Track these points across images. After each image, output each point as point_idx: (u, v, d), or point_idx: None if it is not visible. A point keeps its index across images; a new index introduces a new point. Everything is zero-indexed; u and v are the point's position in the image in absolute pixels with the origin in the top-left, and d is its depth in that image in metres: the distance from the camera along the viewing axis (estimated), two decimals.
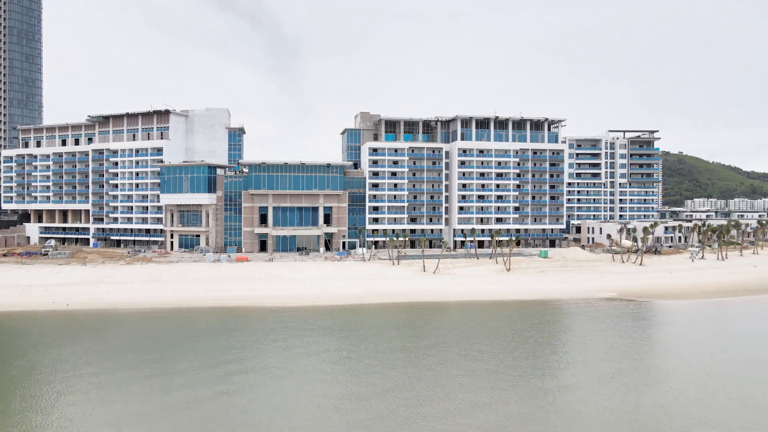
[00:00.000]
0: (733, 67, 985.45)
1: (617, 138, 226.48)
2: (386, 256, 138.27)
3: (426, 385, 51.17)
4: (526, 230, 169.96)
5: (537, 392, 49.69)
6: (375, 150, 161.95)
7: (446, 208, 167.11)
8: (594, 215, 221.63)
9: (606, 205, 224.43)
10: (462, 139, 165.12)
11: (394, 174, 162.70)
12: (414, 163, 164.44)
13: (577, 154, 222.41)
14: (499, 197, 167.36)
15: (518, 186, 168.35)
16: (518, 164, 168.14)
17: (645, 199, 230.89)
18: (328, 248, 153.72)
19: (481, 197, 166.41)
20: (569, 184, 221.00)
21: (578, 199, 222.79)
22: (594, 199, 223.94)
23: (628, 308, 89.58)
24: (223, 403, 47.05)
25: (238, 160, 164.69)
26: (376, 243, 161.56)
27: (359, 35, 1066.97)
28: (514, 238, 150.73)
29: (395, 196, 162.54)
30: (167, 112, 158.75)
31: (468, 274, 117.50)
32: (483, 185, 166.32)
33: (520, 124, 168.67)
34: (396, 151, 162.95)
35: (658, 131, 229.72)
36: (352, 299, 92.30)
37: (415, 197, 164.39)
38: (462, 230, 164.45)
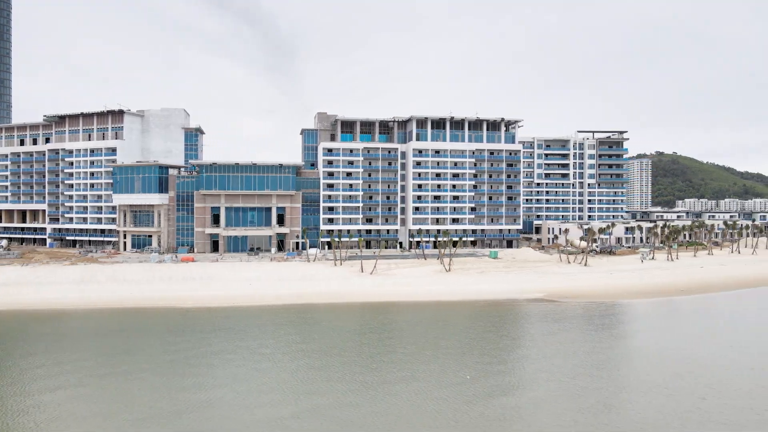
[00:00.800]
0: (731, 69, 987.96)
1: (587, 139, 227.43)
2: (338, 256, 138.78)
3: (277, 386, 51.69)
4: (482, 231, 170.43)
5: (386, 391, 50.16)
6: (330, 150, 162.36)
7: (402, 208, 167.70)
8: (563, 215, 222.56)
9: (575, 206, 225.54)
10: (417, 139, 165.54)
11: (349, 174, 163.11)
12: (369, 164, 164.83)
13: (546, 155, 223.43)
14: (455, 198, 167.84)
15: (474, 186, 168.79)
16: (474, 164, 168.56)
17: (614, 200, 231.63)
18: (281, 248, 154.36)
19: (437, 198, 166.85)
20: (538, 184, 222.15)
21: (547, 200, 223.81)
22: (563, 200, 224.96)
23: (542, 308, 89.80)
24: (82, 401, 47.43)
25: (189, 161, 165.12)
26: (330, 243, 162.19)
27: (358, 36, 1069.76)
28: (459, 239, 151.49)
29: (350, 197, 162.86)
30: (121, 112, 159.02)
31: (406, 274, 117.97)
32: (439, 186, 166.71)
33: (476, 125, 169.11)
34: (351, 151, 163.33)
35: (627, 132, 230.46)
36: (272, 300, 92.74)
37: (370, 197, 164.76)
38: (418, 230, 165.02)
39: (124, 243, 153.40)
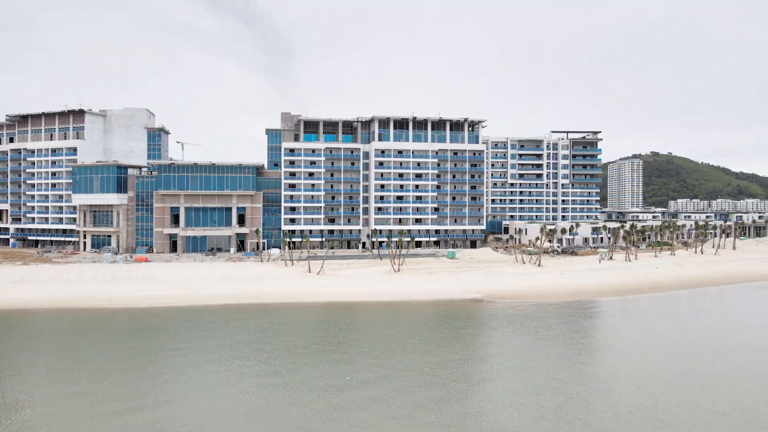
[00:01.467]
0: (729, 69, 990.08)
1: (561, 139, 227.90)
2: (289, 256, 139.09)
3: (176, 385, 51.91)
4: (446, 231, 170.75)
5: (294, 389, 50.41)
6: (292, 150, 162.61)
7: (365, 208, 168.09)
8: (536, 215, 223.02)
9: (549, 206, 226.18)
10: (379, 139, 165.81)
11: (311, 174, 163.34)
12: (332, 164, 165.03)
13: (520, 155, 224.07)
14: (418, 198, 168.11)
15: (438, 187, 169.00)
16: (438, 164, 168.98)
17: (588, 200, 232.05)
18: (241, 249, 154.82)
19: (399, 198, 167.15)
20: (512, 184, 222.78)
21: (521, 200, 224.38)
22: (536, 200, 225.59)
23: (471, 309, 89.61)
24: None
25: (148, 161, 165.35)
26: (293, 243, 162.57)
27: (355, 36, 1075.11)
28: (411, 239, 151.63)
29: (312, 197, 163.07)
30: (82, 112, 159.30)
31: (355, 275, 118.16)
32: (402, 186, 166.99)
33: (439, 125, 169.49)
34: (313, 151, 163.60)
35: (600, 132, 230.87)
36: (206, 300, 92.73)
37: (333, 198, 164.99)
38: (380, 231, 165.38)
39: (84, 243, 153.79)
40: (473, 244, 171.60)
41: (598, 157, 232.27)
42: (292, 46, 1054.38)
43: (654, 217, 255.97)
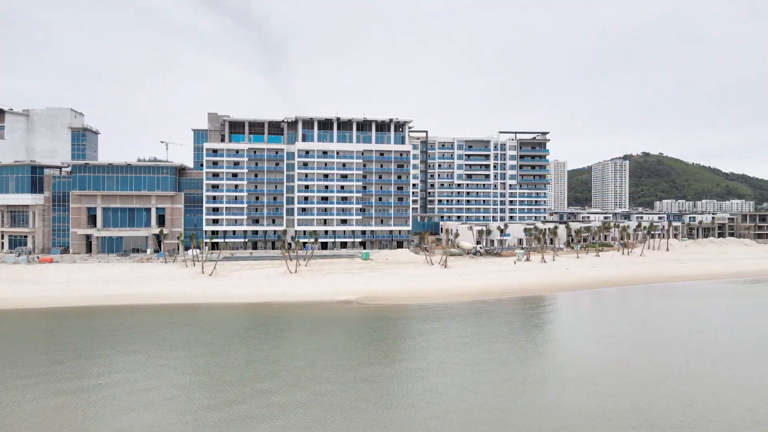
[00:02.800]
0: (723, 71, 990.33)
1: (511, 140, 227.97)
2: (188, 257, 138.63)
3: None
4: (372, 232, 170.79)
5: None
6: (215, 151, 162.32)
7: (290, 209, 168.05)
8: (484, 216, 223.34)
9: (497, 206, 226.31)
10: (303, 140, 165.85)
11: (235, 175, 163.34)
12: (256, 164, 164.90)
13: (468, 155, 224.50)
14: (344, 198, 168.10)
15: (364, 187, 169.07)
16: (363, 165, 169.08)
17: (536, 201, 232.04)
18: (159, 250, 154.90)
19: (325, 198, 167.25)
20: (459, 185, 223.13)
21: (468, 200, 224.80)
22: (484, 201, 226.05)
23: (331, 310, 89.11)
24: None
25: (63, 161, 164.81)
26: (216, 244, 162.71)
27: (351, 37, 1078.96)
28: (315, 239, 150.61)
29: (236, 198, 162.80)
30: (2, 112, 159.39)
31: (249, 276, 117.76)
32: (326, 186, 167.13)
33: (365, 126, 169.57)
34: (237, 152, 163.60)
35: (548, 133, 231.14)
36: (73, 302, 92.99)
37: (257, 198, 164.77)
38: (305, 231, 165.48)
39: (2, 243, 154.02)
40: (400, 245, 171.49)
41: (546, 158, 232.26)
42: (289, 47, 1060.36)
43: (605, 218, 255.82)
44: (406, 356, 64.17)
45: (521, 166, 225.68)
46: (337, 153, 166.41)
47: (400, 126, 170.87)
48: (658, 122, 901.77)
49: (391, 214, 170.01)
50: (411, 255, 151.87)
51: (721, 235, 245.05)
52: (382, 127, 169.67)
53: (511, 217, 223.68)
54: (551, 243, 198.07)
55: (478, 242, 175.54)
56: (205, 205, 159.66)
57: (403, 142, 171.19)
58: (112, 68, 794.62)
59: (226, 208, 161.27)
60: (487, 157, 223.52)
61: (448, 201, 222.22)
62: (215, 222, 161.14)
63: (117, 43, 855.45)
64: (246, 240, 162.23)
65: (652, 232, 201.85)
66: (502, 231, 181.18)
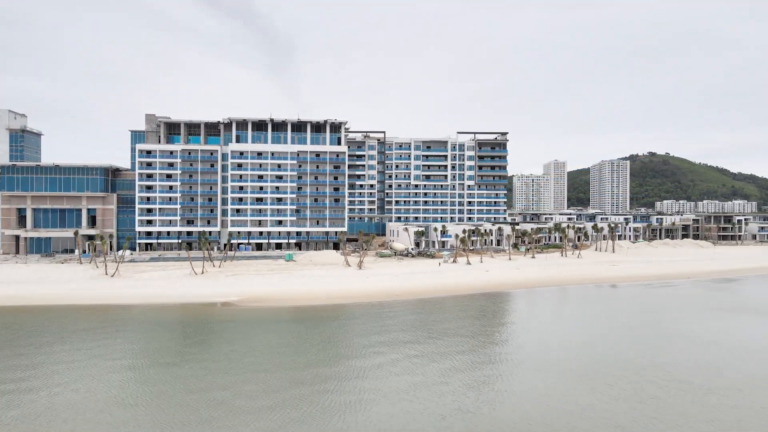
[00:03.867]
0: (731, 70, 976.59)
1: (473, 140, 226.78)
2: (102, 258, 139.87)
3: None
4: (307, 233, 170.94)
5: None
6: (148, 152, 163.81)
7: (225, 210, 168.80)
8: (441, 217, 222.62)
9: (455, 207, 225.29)
10: (237, 141, 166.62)
11: (169, 176, 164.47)
12: (191, 165, 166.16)
13: (425, 156, 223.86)
14: (279, 200, 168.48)
15: (299, 188, 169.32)
16: (299, 166, 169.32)
17: (495, 201, 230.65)
18: (93, 250, 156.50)
19: (259, 199, 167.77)
20: (416, 186, 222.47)
21: (425, 201, 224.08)
22: (441, 201, 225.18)
23: (196, 312, 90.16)
24: None
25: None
26: (150, 245, 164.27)
27: (355, 36, 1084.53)
28: (228, 241, 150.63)
29: (170, 198, 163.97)
30: None
31: (153, 277, 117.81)
32: (261, 188, 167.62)
33: (300, 127, 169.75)
34: (171, 153, 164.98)
35: (507, 133, 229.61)
36: None
37: (192, 199, 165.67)
38: (239, 232, 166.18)
39: None
40: (335, 246, 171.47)
41: (505, 158, 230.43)
42: (293, 46, 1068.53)
43: (569, 219, 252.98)
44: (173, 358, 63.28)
45: (480, 167, 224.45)
46: (272, 154, 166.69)
47: (336, 127, 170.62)
48: (665, 122, 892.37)
49: (326, 215, 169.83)
50: (337, 256, 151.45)
51: (685, 236, 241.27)
52: (318, 128, 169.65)
53: (469, 218, 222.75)
54: (498, 244, 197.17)
55: (417, 243, 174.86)
56: (137, 206, 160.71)
57: (338, 143, 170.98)
58: (117, 69, 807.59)
59: (159, 209, 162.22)
60: (444, 158, 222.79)
61: (405, 202, 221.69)
62: (149, 223, 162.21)
63: (120, 43, 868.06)
64: (180, 241, 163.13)
65: (604, 234, 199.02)
66: (442, 232, 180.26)
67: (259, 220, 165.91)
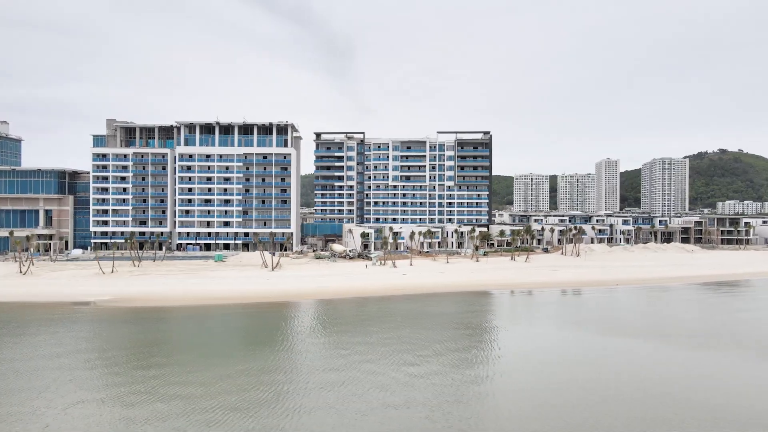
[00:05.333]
0: None
1: (455, 140, 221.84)
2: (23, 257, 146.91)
3: None
4: (255, 234, 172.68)
5: None
6: (103, 156, 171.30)
7: (175, 211, 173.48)
8: (420, 219, 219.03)
9: (434, 209, 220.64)
10: (186, 144, 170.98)
11: (123, 179, 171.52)
12: (144, 168, 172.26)
13: (404, 157, 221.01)
14: (227, 201, 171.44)
15: (247, 190, 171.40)
16: (247, 168, 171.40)
17: (477, 203, 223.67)
18: (48, 249, 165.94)
19: (208, 201, 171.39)
20: (395, 186, 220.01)
21: (403, 203, 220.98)
22: (420, 203, 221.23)
23: (56, 310, 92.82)
24: None
25: None
26: (105, 244, 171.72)
27: (409, 34, 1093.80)
28: (157, 240, 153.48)
29: (124, 200, 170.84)
30: None
31: (62, 276, 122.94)
32: (209, 189, 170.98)
33: (247, 129, 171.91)
34: (125, 156, 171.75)
35: (489, 132, 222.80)
36: None
37: (144, 201, 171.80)
38: (188, 233, 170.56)
39: None
40: (282, 247, 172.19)
41: (486, 158, 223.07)
42: (351, 47, 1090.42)
43: (561, 221, 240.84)
44: None
45: (462, 167, 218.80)
46: (220, 156, 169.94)
47: (282, 129, 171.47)
48: (738, 116, 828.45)
49: (272, 216, 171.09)
50: (268, 257, 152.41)
51: (686, 239, 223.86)
52: (266, 130, 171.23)
53: (449, 219, 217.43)
54: (459, 246, 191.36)
55: (365, 245, 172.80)
56: (92, 207, 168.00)
57: (285, 145, 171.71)
58: (183, 74, 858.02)
59: (113, 210, 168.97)
60: (423, 158, 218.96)
61: (384, 203, 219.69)
62: (104, 223, 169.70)
63: (185, 49, 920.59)
64: (125, 240, 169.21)
65: (577, 236, 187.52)
66: (396, 234, 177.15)
67: (207, 221, 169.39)
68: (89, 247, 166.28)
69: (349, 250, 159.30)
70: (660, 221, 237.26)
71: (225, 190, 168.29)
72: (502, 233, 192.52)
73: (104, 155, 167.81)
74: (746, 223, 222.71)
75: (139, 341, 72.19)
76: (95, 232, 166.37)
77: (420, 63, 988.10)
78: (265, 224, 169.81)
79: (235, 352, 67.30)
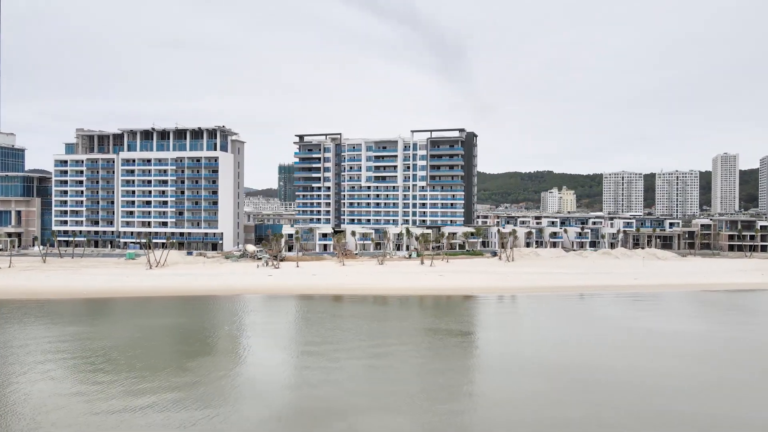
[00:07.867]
0: None
1: (428, 138, 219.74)
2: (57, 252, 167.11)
3: None
4: (189, 234, 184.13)
5: None
6: (64, 162, 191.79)
7: (122, 212, 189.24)
8: (393, 220, 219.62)
9: (407, 210, 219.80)
10: (128, 149, 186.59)
11: (80, 182, 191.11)
12: (96, 173, 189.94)
13: (377, 157, 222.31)
14: (164, 203, 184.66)
15: (182, 192, 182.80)
16: (181, 171, 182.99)
17: (452, 203, 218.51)
18: (18, 245, 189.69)
19: (148, 203, 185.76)
20: (368, 187, 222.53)
21: (376, 203, 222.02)
22: (393, 203, 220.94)
23: None
24: None
25: None
26: (67, 242, 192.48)
27: (526, 27, 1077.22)
28: (85, 239, 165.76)
29: (83, 202, 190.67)
30: None
31: None
32: (150, 192, 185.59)
33: (180, 134, 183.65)
34: (81, 162, 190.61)
35: (463, 130, 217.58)
36: None
37: (97, 202, 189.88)
38: (131, 233, 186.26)
39: None
40: (214, 247, 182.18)
41: (459, 156, 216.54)
42: (462, 46, 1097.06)
43: (552, 223, 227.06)
44: None
45: (436, 167, 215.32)
46: (159, 161, 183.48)
47: (212, 133, 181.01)
48: None
49: (201, 217, 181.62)
50: (176, 257, 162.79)
51: (691, 245, 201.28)
52: (197, 134, 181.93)
53: (422, 221, 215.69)
54: (398, 249, 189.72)
55: (290, 247, 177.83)
56: (54, 208, 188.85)
57: (215, 149, 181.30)
58: (314, 84, 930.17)
59: (71, 210, 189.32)
60: (395, 158, 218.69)
61: (358, 204, 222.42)
62: (64, 223, 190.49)
63: (309, 59, 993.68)
64: (87, 239, 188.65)
65: (509, 239, 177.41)
66: (325, 235, 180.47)
67: (148, 222, 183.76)
68: (55, 244, 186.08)
69: (258, 251, 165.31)
70: (671, 224, 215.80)
71: (162, 192, 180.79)
72: (464, 235, 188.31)
73: (64, 161, 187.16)
74: (763, 227, 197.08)
75: None
76: (58, 231, 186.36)
77: (540, 57, 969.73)
78: (198, 225, 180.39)
79: None
